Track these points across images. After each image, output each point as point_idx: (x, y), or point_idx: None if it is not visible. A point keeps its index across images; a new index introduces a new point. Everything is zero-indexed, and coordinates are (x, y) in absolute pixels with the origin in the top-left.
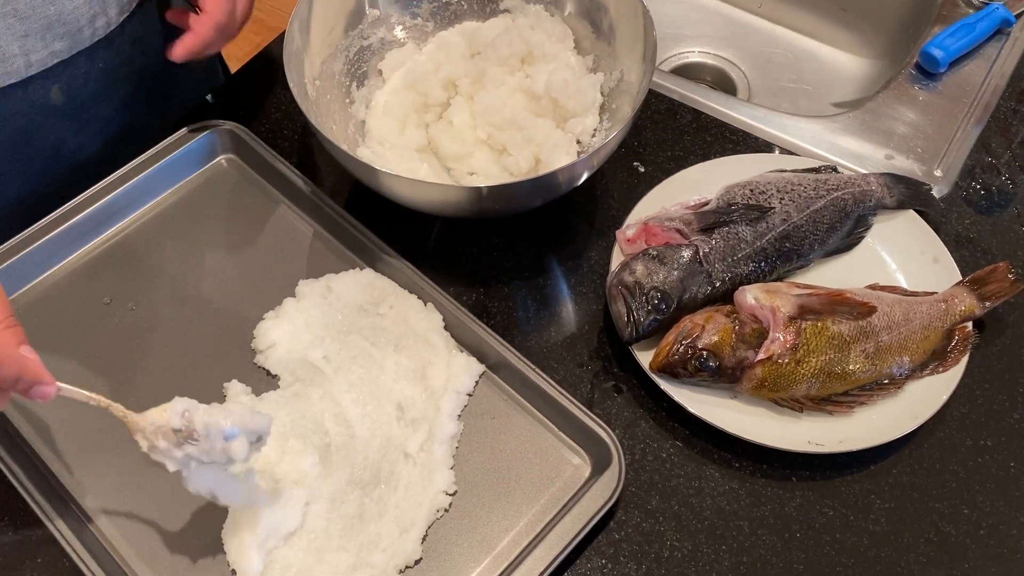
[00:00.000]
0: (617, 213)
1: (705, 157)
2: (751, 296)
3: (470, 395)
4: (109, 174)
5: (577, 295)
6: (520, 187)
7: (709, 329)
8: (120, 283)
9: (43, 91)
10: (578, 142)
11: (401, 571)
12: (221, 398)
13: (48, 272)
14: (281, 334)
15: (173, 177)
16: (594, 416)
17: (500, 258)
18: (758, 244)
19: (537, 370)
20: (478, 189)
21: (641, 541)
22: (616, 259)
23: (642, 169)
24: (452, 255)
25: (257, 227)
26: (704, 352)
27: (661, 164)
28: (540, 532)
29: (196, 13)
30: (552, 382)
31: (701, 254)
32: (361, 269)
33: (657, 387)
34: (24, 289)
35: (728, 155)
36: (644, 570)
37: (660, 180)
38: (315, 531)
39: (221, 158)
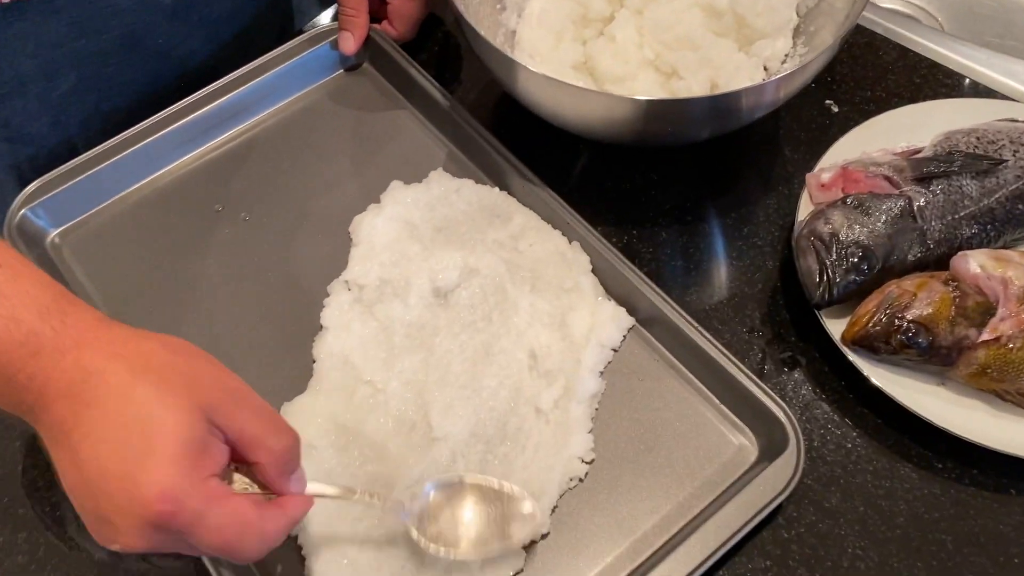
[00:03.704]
0: (803, 157)
1: (912, 100)
2: (975, 263)
3: (615, 351)
4: None
5: (749, 247)
6: (695, 106)
7: (922, 298)
8: (234, 191)
9: None
10: (765, 68)
11: (525, 545)
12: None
13: (159, 172)
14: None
15: (299, 82)
16: (768, 390)
17: (657, 197)
18: (985, 203)
19: (700, 329)
20: (645, 103)
21: (815, 544)
22: (804, 208)
23: (835, 109)
24: (600, 190)
25: (385, 141)
26: (914, 325)
27: (859, 105)
28: (693, 520)
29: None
30: (718, 344)
31: (915, 207)
32: (500, 189)
33: (846, 363)
34: (133, 187)
35: (942, 99)
36: None
37: (857, 123)
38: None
39: (352, 65)
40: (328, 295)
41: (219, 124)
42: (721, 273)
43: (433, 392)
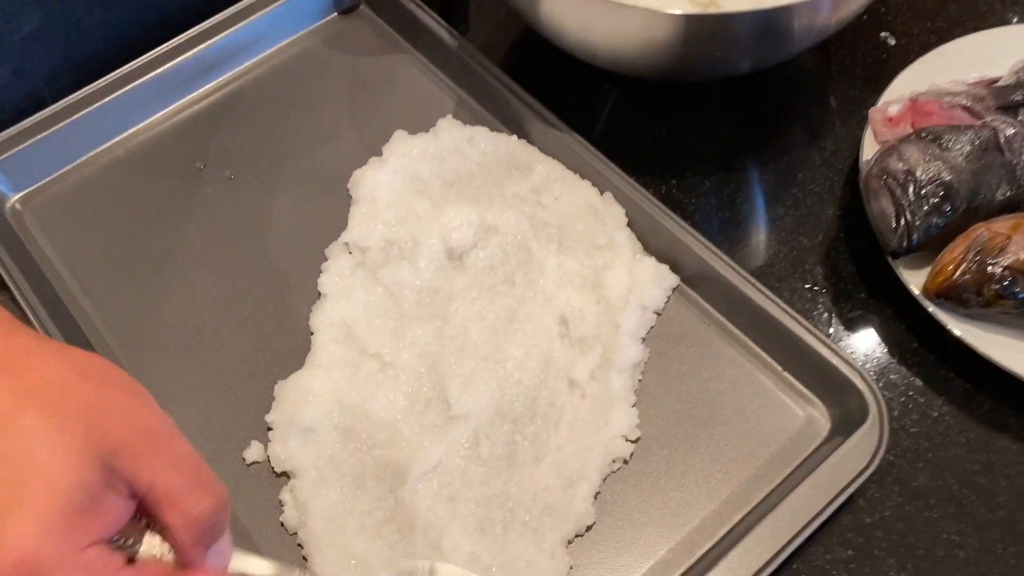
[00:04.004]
0: (861, 94)
1: (978, 29)
2: None
3: (658, 314)
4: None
5: (804, 195)
6: (741, 22)
7: (1017, 241)
8: (217, 147)
9: None
10: None
11: (570, 540)
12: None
13: (133, 128)
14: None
15: (289, 27)
16: (841, 352)
17: (697, 143)
18: None
19: (757, 284)
20: (685, 19)
21: (904, 531)
22: (869, 147)
23: (892, 42)
24: (632, 136)
25: (386, 89)
26: (1009, 273)
27: (918, 37)
28: (758, 506)
29: None
30: (779, 302)
31: (1001, 139)
32: (518, 137)
33: (928, 319)
34: (105, 146)
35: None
36: (910, 570)
37: (918, 55)
38: (450, 472)
39: (347, 7)
40: (326, 259)
41: (200, 74)
42: (774, 225)
43: (450, 365)
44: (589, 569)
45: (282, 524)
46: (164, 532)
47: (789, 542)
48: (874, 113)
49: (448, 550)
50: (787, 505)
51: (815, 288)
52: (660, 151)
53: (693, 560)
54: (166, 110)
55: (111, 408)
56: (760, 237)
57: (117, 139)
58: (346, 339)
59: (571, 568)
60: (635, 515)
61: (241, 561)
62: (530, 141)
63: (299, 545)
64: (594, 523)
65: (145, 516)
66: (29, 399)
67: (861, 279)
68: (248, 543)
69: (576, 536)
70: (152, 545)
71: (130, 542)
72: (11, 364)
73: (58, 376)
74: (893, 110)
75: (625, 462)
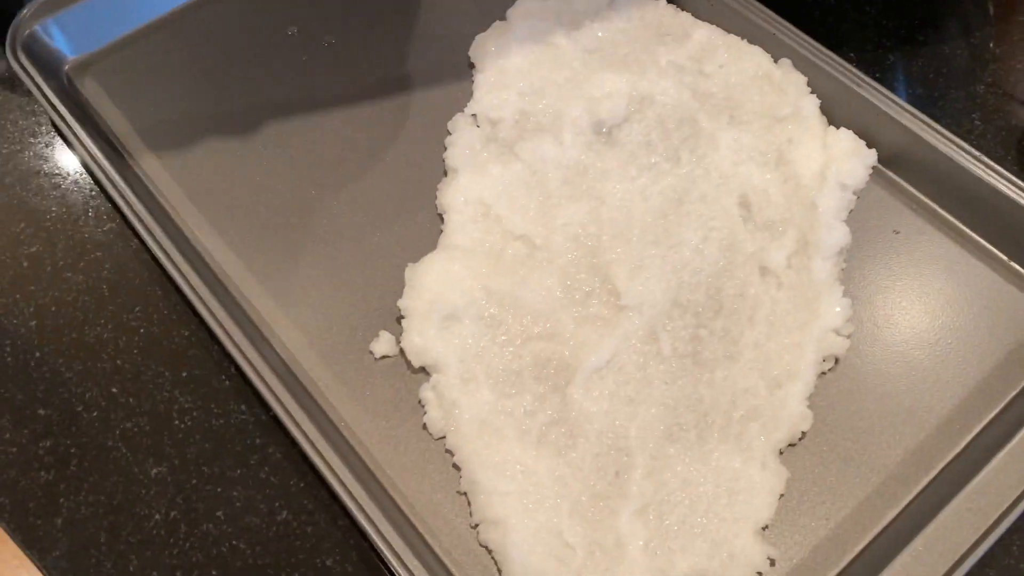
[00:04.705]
0: None
1: None
2: None
3: (857, 196)
4: None
5: (1007, 71)
6: None
7: None
8: (313, 10)
9: None
10: None
11: (781, 450)
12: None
13: None
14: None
15: None
16: None
17: (877, 17)
18: None
19: (981, 157)
20: None
21: None
22: None
23: None
24: (802, 8)
25: None
26: None
27: None
28: (1004, 411)
29: None
30: (1009, 176)
31: None
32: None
33: None
34: (180, 4)
35: None
36: None
37: None
38: (625, 370)
39: None
40: (450, 134)
41: None
42: (976, 103)
43: (614, 249)
44: (809, 484)
45: (425, 427)
46: None
47: None
48: None
49: (634, 456)
50: None
51: None
52: (833, 22)
53: (933, 474)
54: None
55: None
56: (959, 118)
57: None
58: (485, 219)
59: (788, 480)
60: (856, 422)
61: None
62: (682, 6)
63: (448, 451)
64: (807, 431)
65: None
66: None
67: None
68: (388, 453)
69: (789, 446)
70: None
71: None
72: None
73: None
74: None
75: (836, 361)
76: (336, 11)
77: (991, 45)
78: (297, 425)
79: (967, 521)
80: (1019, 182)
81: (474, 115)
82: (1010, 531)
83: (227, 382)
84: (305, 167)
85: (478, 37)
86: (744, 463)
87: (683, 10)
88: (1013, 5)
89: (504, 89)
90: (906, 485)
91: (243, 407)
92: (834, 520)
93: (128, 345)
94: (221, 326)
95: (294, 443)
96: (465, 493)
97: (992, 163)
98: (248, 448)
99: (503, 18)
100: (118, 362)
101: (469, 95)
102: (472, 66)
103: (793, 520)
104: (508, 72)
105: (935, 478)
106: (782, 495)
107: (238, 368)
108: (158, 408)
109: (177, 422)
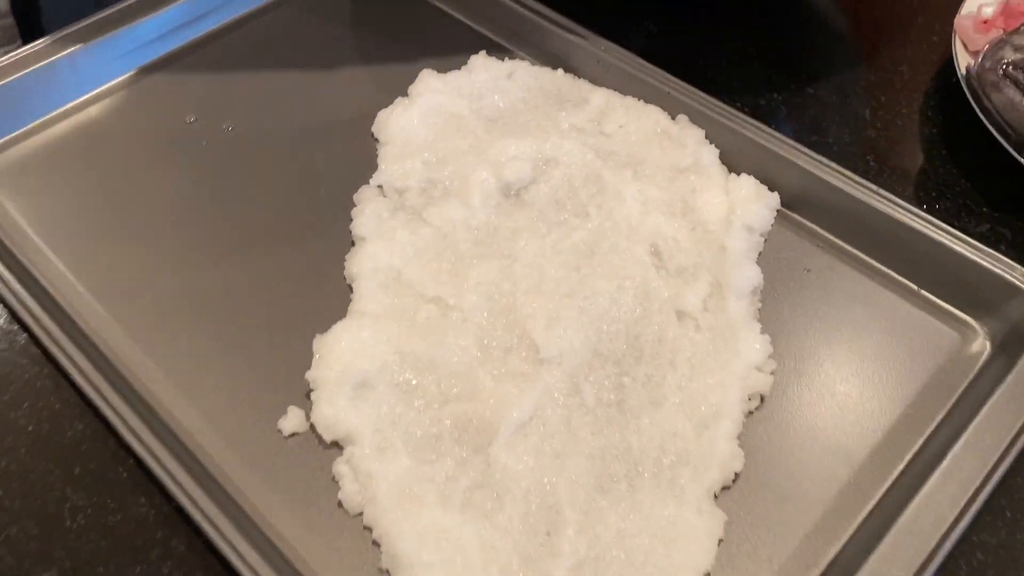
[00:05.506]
0: (932, 14)
1: None
2: None
3: (765, 238)
4: None
5: (894, 116)
6: None
7: None
8: (210, 99)
9: None
10: None
11: (716, 493)
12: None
13: (108, 83)
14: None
15: None
16: (992, 252)
17: (758, 69)
18: None
19: (880, 191)
20: None
21: None
22: (962, 57)
23: None
24: (678, 54)
25: (404, 31)
26: None
27: None
28: (929, 440)
29: None
30: (909, 207)
31: None
32: (564, 72)
33: None
34: (76, 101)
35: None
36: None
37: None
38: (549, 424)
39: None
40: (355, 205)
41: (189, 23)
42: (869, 147)
43: (529, 304)
44: (748, 526)
45: (340, 505)
46: None
47: (980, 489)
48: (962, 20)
49: (564, 513)
50: (972, 436)
51: (931, 210)
52: (724, 80)
53: (871, 505)
54: (144, 63)
55: None
56: (855, 162)
57: (89, 94)
58: (396, 283)
59: (726, 523)
60: (788, 459)
61: None
62: (578, 75)
63: (367, 528)
64: (739, 473)
65: None
66: None
67: (979, 192)
68: (303, 536)
69: (723, 488)
70: None
71: None
72: None
73: None
74: (987, 11)
75: (762, 399)
76: (234, 99)
77: (875, 92)
78: (202, 513)
79: (910, 547)
80: (920, 212)
81: (380, 186)
82: (951, 555)
83: (124, 474)
84: (208, 250)
85: (380, 113)
86: (679, 509)
87: (580, 78)
88: (876, 48)
89: (409, 159)
90: (845, 519)
91: (142, 499)
92: (776, 561)
93: (15, 444)
94: (117, 414)
95: (199, 533)
96: (387, 571)
97: (892, 196)
98: (148, 543)
99: (405, 95)
100: (2, 464)
101: (374, 168)
102: (377, 141)
103: (735, 564)
104: (412, 143)
105: (873, 508)
106: (721, 540)
107: (137, 458)
108: (47, 509)
109: (69, 522)
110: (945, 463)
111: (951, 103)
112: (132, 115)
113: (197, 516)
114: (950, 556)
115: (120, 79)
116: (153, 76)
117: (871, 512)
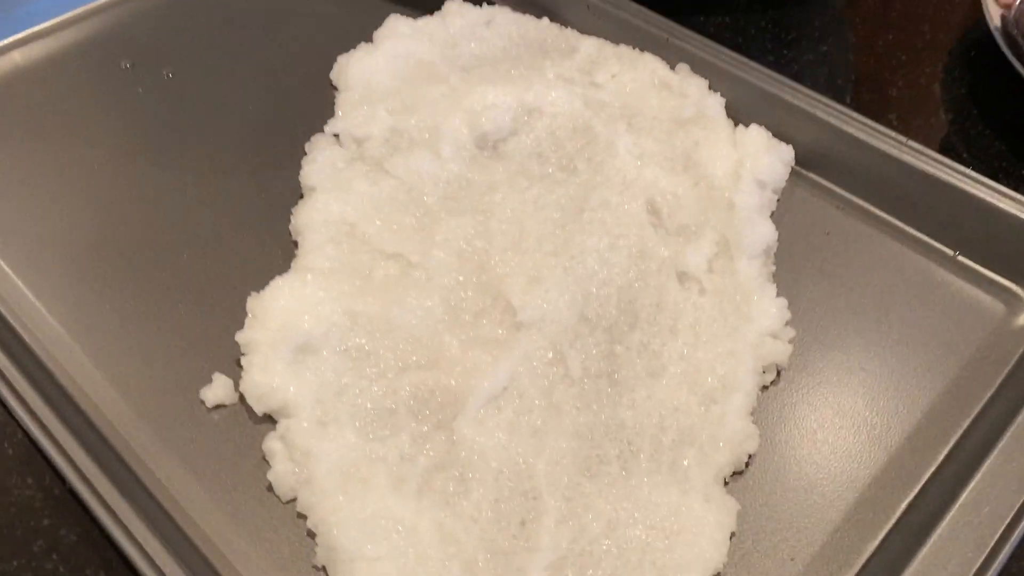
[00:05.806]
0: None
1: None
2: None
3: (778, 196)
4: None
5: (918, 74)
6: None
7: None
8: (147, 44)
9: None
10: None
11: (726, 479)
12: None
13: (33, 28)
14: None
15: None
16: None
17: (765, 24)
18: None
19: (911, 144)
20: None
21: None
22: (993, 9)
23: None
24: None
25: None
26: None
27: None
28: (977, 419)
29: None
30: (945, 161)
31: None
32: (539, 17)
33: None
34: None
35: None
36: None
37: None
38: (527, 396)
39: None
40: (306, 154)
41: None
42: (892, 107)
43: (506, 263)
44: (765, 518)
45: (271, 489)
46: None
47: None
48: None
49: (543, 499)
50: (995, 414)
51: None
52: (722, 27)
53: (912, 494)
54: (76, 10)
55: None
56: (876, 118)
57: (12, 39)
58: (349, 239)
59: (739, 514)
60: (811, 441)
61: None
62: (565, 24)
63: (300, 515)
64: (755, 453)
65: None
66: None
67: (1015, 155)
68: (224, 526)
69: (735, 473)
70: None
71: None
72: None
73: None
74: None
75: (779, 372)
76: (174, 45)
77: (896, 52)
78: (98, 497)
79: (964, 541)
80: (957, 166)
81: (336, 135)
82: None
83: (10, 451)
84: (135, 204)
85: (340, 58)
86: (682, 496)
87: (567, 27)
88: (893, 6)
89: (371, 106)
90: (883, 510)
91: (29, 480)
92: (801, 561)
93: None
94: (3, 377)
95: (95, 522)
96: (323, 568)
97: (924, 148)
98: (32, 531)
99: (370, 40)
100: None
101: (330, 116)
102: (335, 88)
103: (750, 563)
104: (376, 90)
105: (915, 498)
106: (733, 533)
107: (25, 432)
108: None
109: None
110: (1002, 444)
111: (981, 63)
112: (62, 61)
113: (91, 501)
114: (1013, 556)
115: (47, 23)
116: (86, 20)
117: (913, 500)
